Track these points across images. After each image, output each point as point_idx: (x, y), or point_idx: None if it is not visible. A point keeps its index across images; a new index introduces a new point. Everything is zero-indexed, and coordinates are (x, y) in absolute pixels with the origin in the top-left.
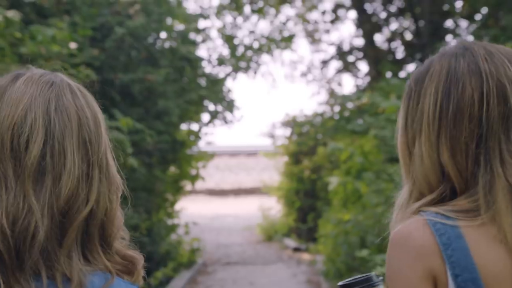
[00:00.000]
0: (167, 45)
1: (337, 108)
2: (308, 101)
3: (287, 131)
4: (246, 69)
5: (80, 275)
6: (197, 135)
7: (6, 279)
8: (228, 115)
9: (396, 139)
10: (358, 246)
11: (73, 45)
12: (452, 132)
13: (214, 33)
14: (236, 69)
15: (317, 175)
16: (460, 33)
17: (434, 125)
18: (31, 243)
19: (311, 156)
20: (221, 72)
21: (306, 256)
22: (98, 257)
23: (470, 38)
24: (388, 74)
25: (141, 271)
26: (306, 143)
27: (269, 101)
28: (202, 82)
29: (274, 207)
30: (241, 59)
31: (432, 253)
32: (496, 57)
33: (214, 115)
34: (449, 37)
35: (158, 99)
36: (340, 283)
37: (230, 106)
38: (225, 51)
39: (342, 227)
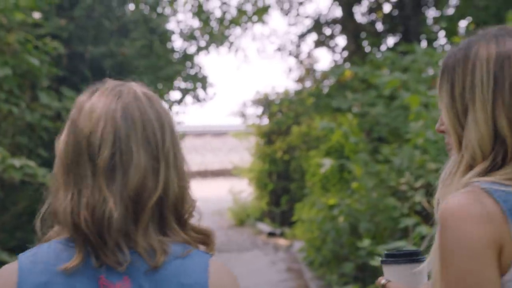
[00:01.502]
0: (137, 15)
1: (314, 85)
2: (280, 78)
3: (259, 110)
4: (219, 44)
5: (161, 244)
6: None
7: (96, 254)
8: (200, 92)
9: (442, 115)
10: (348, 233)
11: (37, 15)
12: (510, 101)
13: (183, 7)
14: (209, 44)
15: (291, 156)
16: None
17: (489, 95)
18: (108, 226)
19: (284, 136)
20: (192, 47)
21: (282, 242)
22: (176, 232)
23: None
24: (368, 48)
25: (215, 242)
26: (285, 122)
27: (237, 79)
28: (173, 57)
29: (245, 189)
30: (214, 37)
31: (498, 220)
32: None
33: (185, 93)
34: (432, 11)
35: (131, 75)
36: (387, 252)
37: (203, 83)
38: (196, 24)
39: (327, 212)
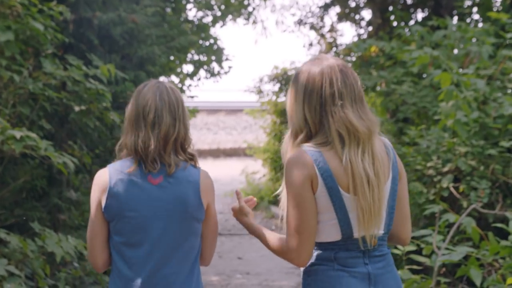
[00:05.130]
0: None
1: None
2: (300, 53)
3: (276, 86)
4: (236, 15)
5: (175, 160)
6: (179, 89)
7: (145, 165)
8: (215, 66)
9: (287, 106)
10: None
11: None
12: (310, 100)
13: None
14: (225, 14)
15: None
16: None
17: (300, 97)
18: (149, 151)
19: None
20: (207, 17)
21: None
22: (181, 155)
23: None
24: (395, 23)
25: (198, 160)
26: None
27: (254, 53)
28: (187, 27)
29: (259, 170)
30: (231, 7)
31: (310, 166)
32: (340, 67)
33: (199, 66)
34: None
35: (142, 45)
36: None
37: (218, 56)
38: None
39: None
